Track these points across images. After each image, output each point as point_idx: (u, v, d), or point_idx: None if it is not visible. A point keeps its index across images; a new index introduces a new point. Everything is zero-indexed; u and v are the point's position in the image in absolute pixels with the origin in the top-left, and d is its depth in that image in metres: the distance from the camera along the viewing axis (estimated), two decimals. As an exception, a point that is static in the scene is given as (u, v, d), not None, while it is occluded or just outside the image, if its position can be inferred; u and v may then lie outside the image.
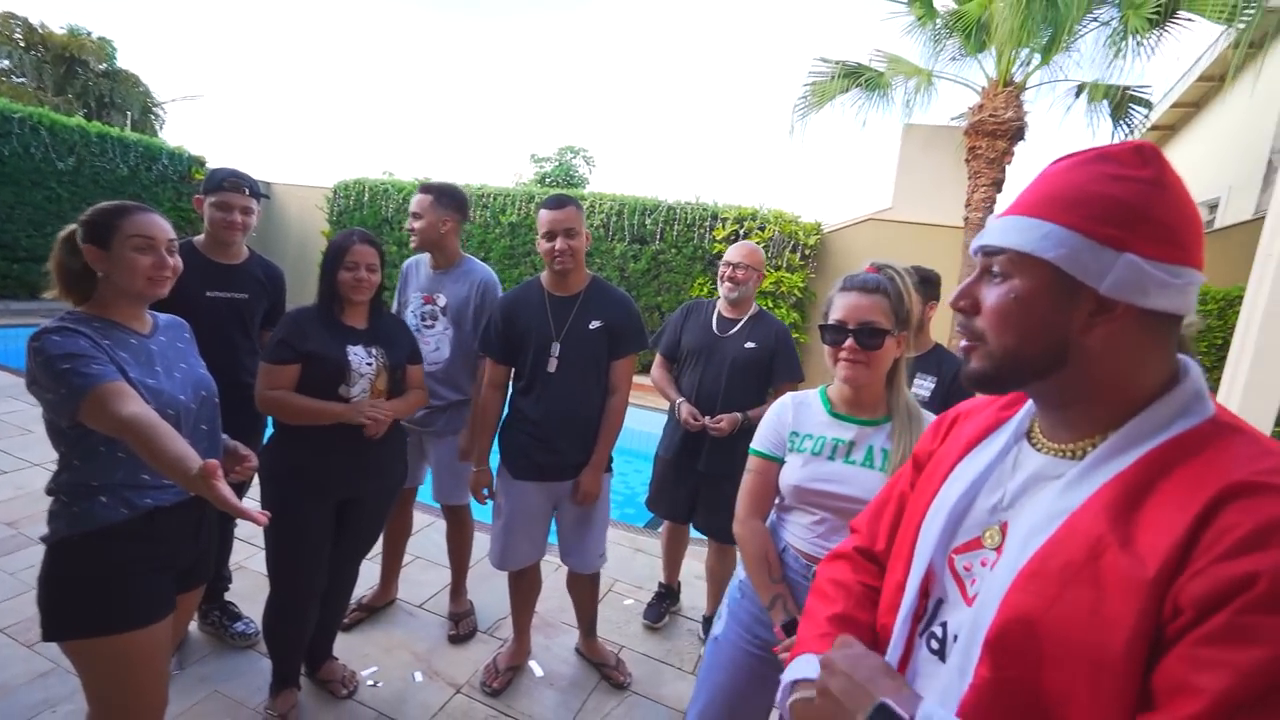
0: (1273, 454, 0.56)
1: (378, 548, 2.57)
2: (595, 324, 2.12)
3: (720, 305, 2.55)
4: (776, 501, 1.48)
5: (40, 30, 16.81)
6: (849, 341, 1.31)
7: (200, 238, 2.18)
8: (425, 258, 2.50)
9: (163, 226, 1.39)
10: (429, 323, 2.43)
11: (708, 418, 2.40)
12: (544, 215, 2.06)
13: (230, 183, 2.11)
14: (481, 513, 3.27)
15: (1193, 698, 0.49)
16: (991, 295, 0.66)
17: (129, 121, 16.26)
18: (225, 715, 2.00)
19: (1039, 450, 0.71)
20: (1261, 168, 7.20)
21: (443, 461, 2.52)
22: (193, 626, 2.36)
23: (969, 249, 0.73)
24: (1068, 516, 0.61)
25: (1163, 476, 0.57)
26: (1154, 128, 9.70)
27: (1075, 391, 0.65)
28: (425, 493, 2.74)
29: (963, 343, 0.71)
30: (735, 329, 2.49)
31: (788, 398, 1.48)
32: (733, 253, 2.50)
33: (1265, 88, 6.73)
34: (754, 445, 1.48)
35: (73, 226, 1.36)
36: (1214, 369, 5.62)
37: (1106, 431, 0.64)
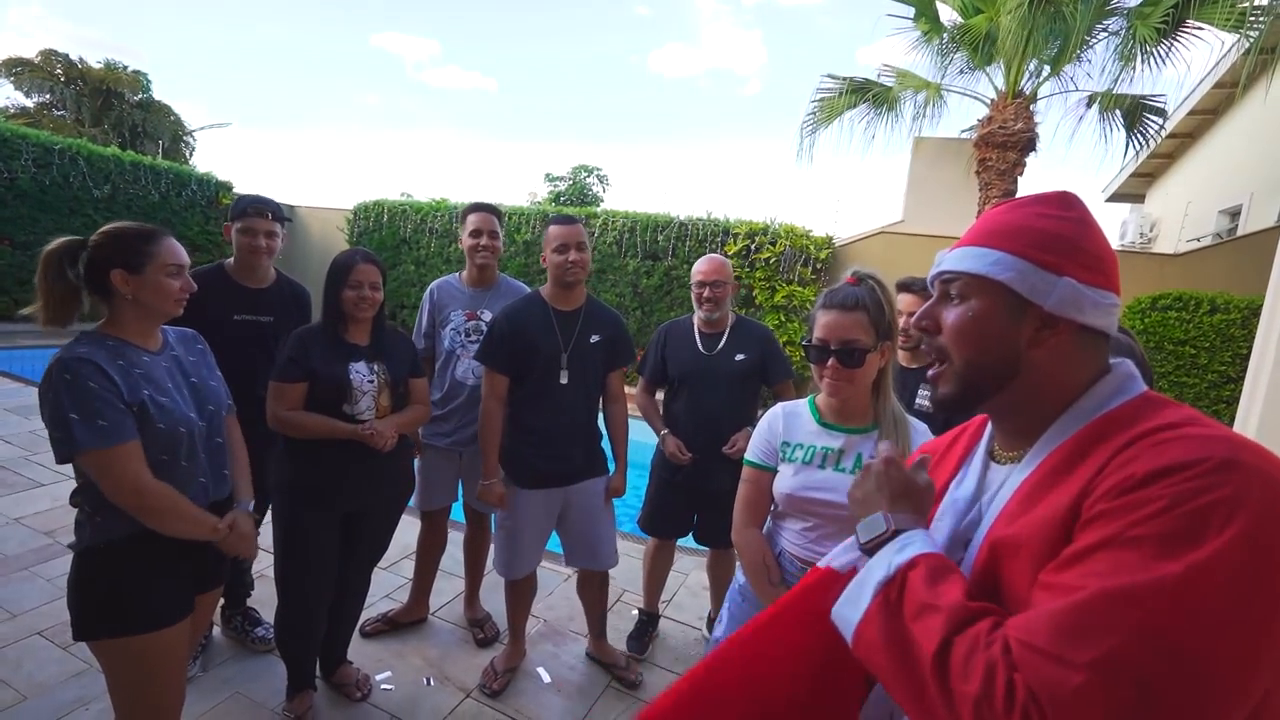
0: (1184, 411, 0.65)
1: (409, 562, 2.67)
2: (595, 338, 2.23)
3: (698, 323, 2.52)
4: (772, 509, 1.53)
5: (79, 66, 17.59)
6: (831, 361, 1.35)
7: (230, 261, 2.30)
8: (454, 278, 2.58)
9: (184, 252, 1.51)
10: (474, 338, 2.49)
11: (709, 446, 2.40)
12: (555, 230, 2.17)
13: (254, 209, 2.23)
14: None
15: (1079, 541, 0.59)
16: (951, 315, 0.75)
17: (160, 150, 16.88)
18: (245, 716, 2.08)
19: (1000, 464, 0.80)
20: (1281, 174, 7.11)
21: (477, 469, 2.59)
22: (216, 631, 2.47)
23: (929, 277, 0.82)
24: (1017, 486, 0.72)
25: (1096, 444, 0.66)
26: (1171, 135, 9.62)
27: (1025, 399, 0.74)
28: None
29: (931, 370, 0.79)
30: (722, 344, 2.46)
31: (778, 408, 1.53)
32: (703, 272, 2.43)
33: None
34: (747, 456, 1.53)
35: (59, 242, 1.38)
36: (1238, 379, 5.54)
37: (1038, 425, 0.74)
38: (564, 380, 2.19)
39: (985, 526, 0.73)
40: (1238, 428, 3.96)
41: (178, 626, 1.46)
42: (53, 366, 1.31)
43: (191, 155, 19.88)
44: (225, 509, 1.57)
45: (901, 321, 2.23)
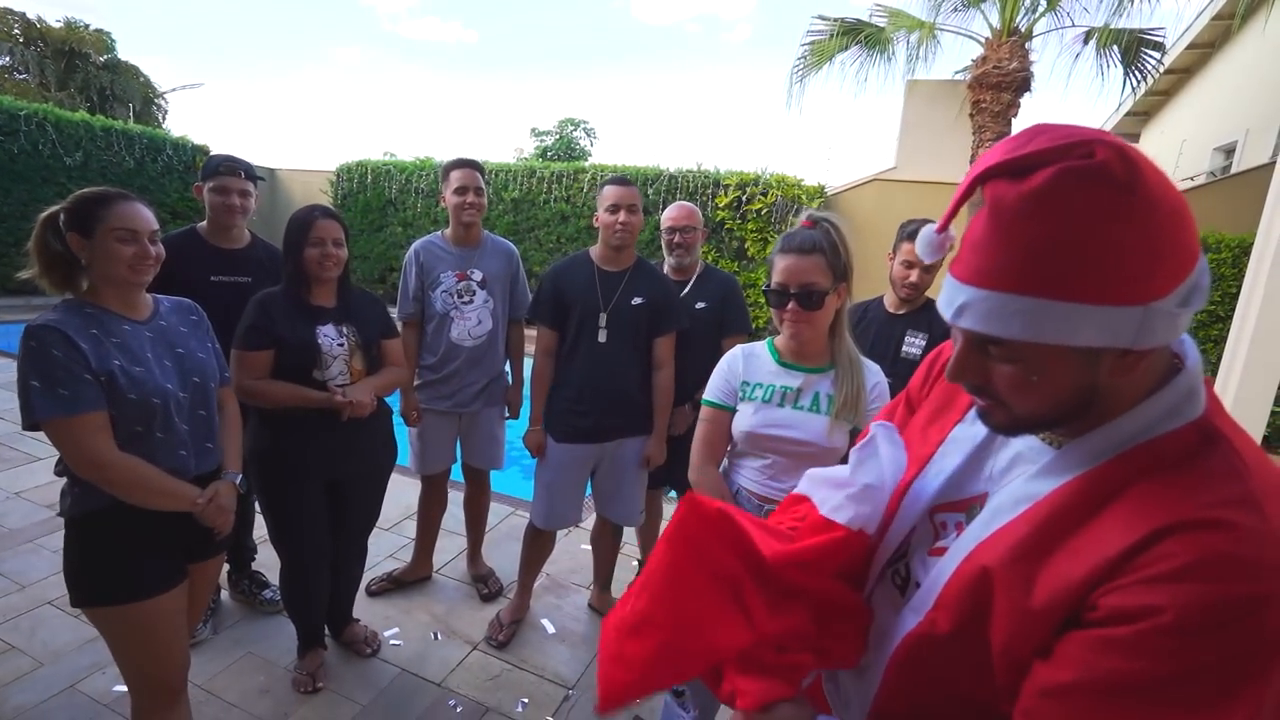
0: (1239, 479, 0.54)
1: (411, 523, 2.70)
2: (638, 300, 2.21)
3: (668, 269, 2.50)
4: (729, 448, 1.56)
5: (38, 25, 16.82)
6: (791, 304, 1.38)
7: (204, 224, 2.25)
8: (437, 238, 2.52)
9: (146, 217, 1.41)
10: (466, 298, 2.47)
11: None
12: (610, 190, 2.18)
13: (226, 167, 2.18)
14: (512, 486, 3.41)
15: (1069, 668, 0.55)
16: (1004, 374, 0.60)
17: (132, 113, 16.28)
18: (259, 674, 2.15)
19: None
20: (1279, 109, 7.00)
21: (483, 428, 2.61)
22: (225, 595, 2.52)
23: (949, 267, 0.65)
24: (1031, 504, 0.63)
25: (1127, 486, 0.57)
26: (1168, 71, 9.41)
27: (1093, 418, 0.62)
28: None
29: (980, 401, 0.66)
30: (685, 292, 2.44)
31: (737, 350, 1.56)
32: (672, 217, 2.42)
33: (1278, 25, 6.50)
34: (706, 396, 1.56)
35: (55, 208, 1.37)
36: (1227, 319, 5.58)
37: (1091, 428, 0.62)
38: (602, 339, 2.20)
39: (984, 519, 0.67)
40: (1224, 368, 3.99)
41: (168, 595, 1.45)
42: (23, 333, 1.30)
43: (165, 119, 19.27)
44: (211, 481, 1.54)
45: (914, 275, 2.17)
